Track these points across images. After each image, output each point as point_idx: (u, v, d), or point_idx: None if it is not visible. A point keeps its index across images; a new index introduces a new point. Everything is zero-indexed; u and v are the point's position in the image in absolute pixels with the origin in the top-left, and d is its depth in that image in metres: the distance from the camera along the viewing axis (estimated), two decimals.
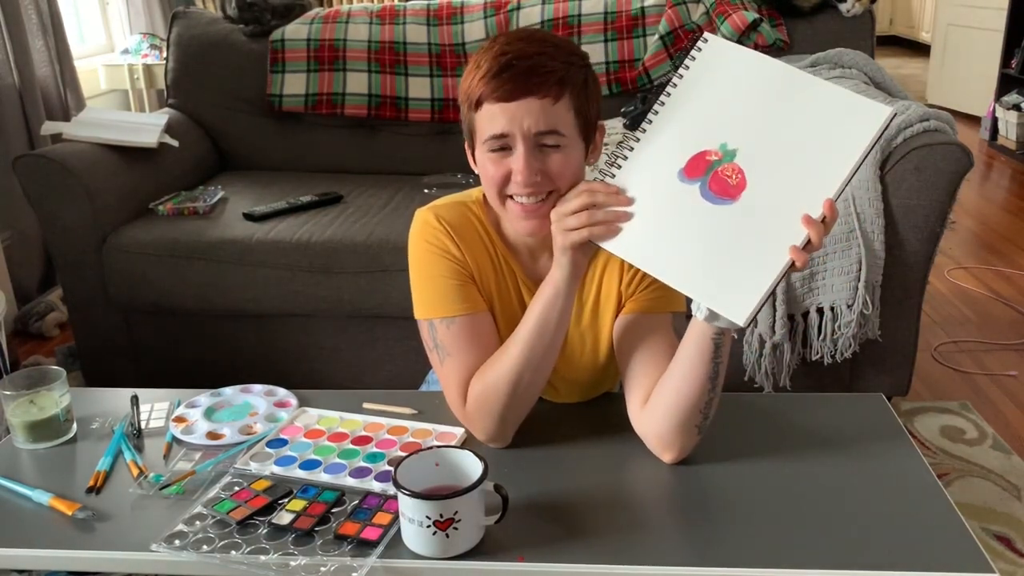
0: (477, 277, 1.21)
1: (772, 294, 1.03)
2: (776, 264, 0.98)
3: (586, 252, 1.09)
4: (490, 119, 1.09)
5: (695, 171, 1.03)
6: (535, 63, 1.07)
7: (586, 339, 1.25)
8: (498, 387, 1.13)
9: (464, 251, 1.20)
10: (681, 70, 1.07)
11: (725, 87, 1.05)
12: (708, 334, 1.05)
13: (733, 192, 1.01)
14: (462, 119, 1.16)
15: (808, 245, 0.98)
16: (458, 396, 1.17)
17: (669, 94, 1.07)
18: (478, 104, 1.09)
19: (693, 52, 1.07)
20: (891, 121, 0.98)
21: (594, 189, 1.06)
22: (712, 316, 1.03)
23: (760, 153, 1.02)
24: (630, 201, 1.05)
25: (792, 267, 0.98)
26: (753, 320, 1.00)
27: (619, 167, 1.07)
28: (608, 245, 1.06)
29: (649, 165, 1.06)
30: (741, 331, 1.06)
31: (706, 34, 1.08)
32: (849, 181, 0.98)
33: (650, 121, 1.08)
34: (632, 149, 1.07)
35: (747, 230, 1.00)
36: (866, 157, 0.99)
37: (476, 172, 1.20)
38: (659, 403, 1.11)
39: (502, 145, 1.09)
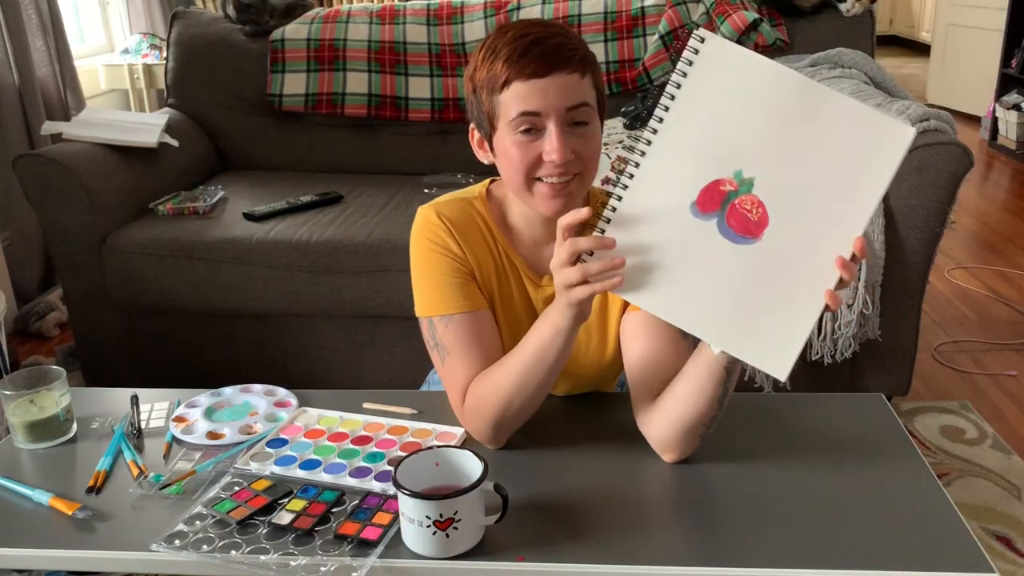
0: (478, 274, 1.21)
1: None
2: (812, 312, 0.93)
3: (591, 299, 1.02)
4: (521, 98, 1.08)
5: (710, 204, 0.94)
6: (559, 42, 1.09)
7: (592, 336, 1.25)
8: (491, 401, 1.12)
9: (465, 248, 1.20)
10: (677, 75, 0.94)
11: (732, 100, 0.93)
12: (721, 362, 1.03)
13: (755, 229, 0.93)
14: (473, 109, 1.15)
15: (840, 283, 0.93)
16: (458, 395, 1.17)
17: (667, 107, 0.94)
18: (504, 86, 1.09)
19: (688, 54, 0.93)
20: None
21: (577, 243, 0.97)
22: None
23: (780, 183, 0.92)
24: (613, 243, 0.96)
25: (826, 309, 0.94)
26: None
27: (625, 188, 0.96)
28: (625, 295, 0.98)
29: (657, 193, 0.95)
30: None
31: (703, 31, 0.94)
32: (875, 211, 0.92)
33: (654, 131, 0.95)
34: (637, 166, 0.96)
35: (774, 273, 0.93)
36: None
37: (487, 162, 1.19)
38: (664, 412, 1.10)
39: (532, 125, 1.09)
